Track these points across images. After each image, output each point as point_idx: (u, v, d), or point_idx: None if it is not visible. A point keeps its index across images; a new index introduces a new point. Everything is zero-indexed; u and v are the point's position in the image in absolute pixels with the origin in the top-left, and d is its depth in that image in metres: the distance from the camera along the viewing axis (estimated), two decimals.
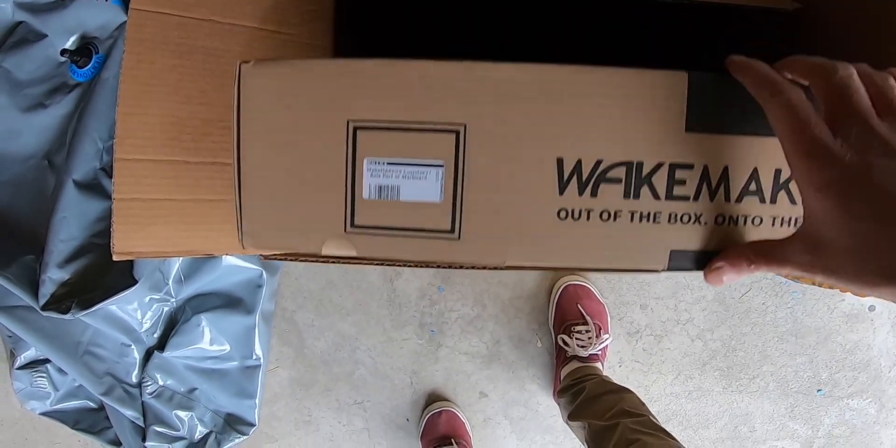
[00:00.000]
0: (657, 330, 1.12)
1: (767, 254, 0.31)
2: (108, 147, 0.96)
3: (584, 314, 1.05)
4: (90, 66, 0.96)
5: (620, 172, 0.32)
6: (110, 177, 0.95)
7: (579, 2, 0.62)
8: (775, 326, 1.11)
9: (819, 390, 1.13)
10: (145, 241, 0.55)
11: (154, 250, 0.56)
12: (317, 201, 0.34)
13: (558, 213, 0.33)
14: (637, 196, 0.33)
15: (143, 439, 1.08)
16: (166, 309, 1.04)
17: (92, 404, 1.09)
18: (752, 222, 0.33)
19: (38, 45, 0.97)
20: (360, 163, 0.33)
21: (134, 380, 1.04)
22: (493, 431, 1.17)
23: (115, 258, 0.54)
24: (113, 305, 0.97)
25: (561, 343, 1.06)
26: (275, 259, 0.42)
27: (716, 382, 1.14)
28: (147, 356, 1.05)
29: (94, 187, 0.96)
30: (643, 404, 0.90)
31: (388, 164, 0.33)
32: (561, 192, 0.32)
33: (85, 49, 0.96)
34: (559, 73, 0.31)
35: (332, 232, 0.34)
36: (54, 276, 0.92)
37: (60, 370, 1.04)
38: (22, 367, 1.08)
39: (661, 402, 1.14)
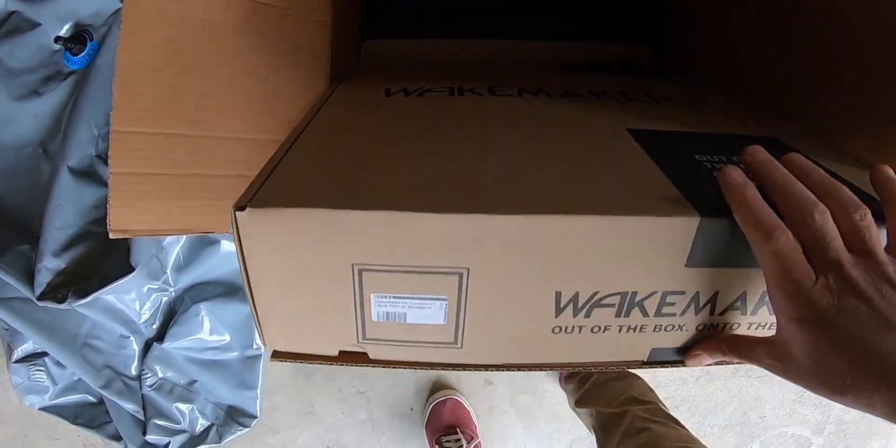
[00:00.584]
0: None
1: (740, 351, 0.35)
2: (104, 134, 0.95)
3: None
4: (84, 53, 0.95)
5: (615, 300, 0.34)
6: (106, 164, 0.94)
7: None
8: None
9: None
10: (141, 217, 0.54)
11: (151, 227, 0.55)
12: (330, 322, 0.36)
13: (552, 330, 0.35)
14: (627, 315, 0.35)
15: (144, 433, 1.07)
16: (165, 299, 1.03)
17: (91, 398, 1.08)
18: (731, 328, 0.36)
19: (32, 34, 0.96)
20: (367, 297, 0.34)
21: (133, 372, 1.03)
22: (499, 420, 1.16)
23: (111, 235, 0.52)
24: (111, 296, 0.96)
25: None
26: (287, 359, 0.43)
27: (724, 367, 1.13)
28: (146, 348, 1.03)
29: (90, 174, 0.94)
30: (651, 391, 0.88)
31: (394, 297, 0.34)
32: (556, 315, 0.34)
33: (79, 36, 0.95)
34: (564, 222, 0.31)
35: (346, 342, 0.36)
36: (50, 265, 0.91)
37: (59, 363, 1.03)
38: (19, 361, 1.06)
39: (670, 387, 1.13)
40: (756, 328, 0.36)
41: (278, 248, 0.33)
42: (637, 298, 0.34)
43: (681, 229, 0.32)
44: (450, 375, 1.15)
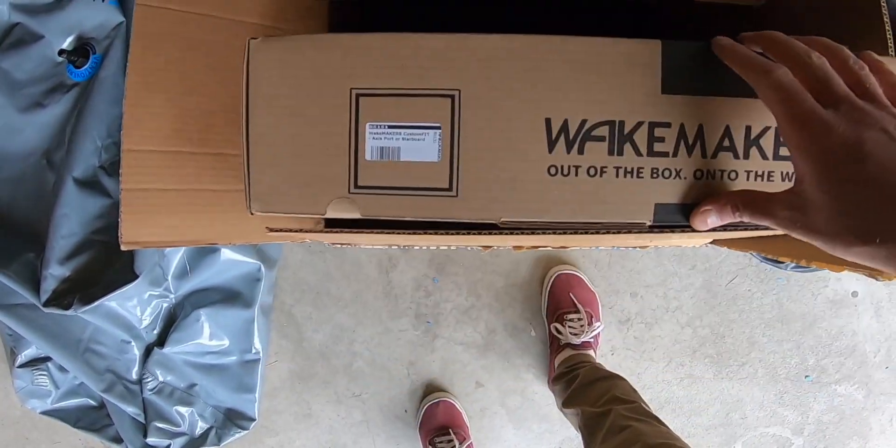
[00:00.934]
0: (647, 318, 1.15)
1: (754, 204, 0.33)
2: (107, 145, 0.97)
3: (576, 303, 1.08)
4: (87, 66, 0.98)
5: (604, 131, 0.35)
6: (109, 175, 0.97)
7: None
8: (762, 313, 1.14)
9: (807, 376, 1.16)
10: (152, 229, 0.57)
11: (160, 239, 0.58)
12: (321, 164, 0.36)
13: (549, 170, 0.35)
14: (621, 153, 0.35)
15: (145, 436, 1.09)
16: (165, 305, 1.06)
17: (92, 402, 1.10)
18: (729, 177, 0.36)
19: (36, 46, 0.98)
20: (362, 127, 0.35)
21: (134, 376, 1.06)
22: (490, 421, 1.19)
23: (123, 248, 0.55)
24: (113, 302, 0.98)
25: (554, 331, 1.09)
26: (280, 232, 0.44)
27: (706, 369, 1.16)
28: (147, 352, 1.06)
29: (94, 185, 0.97)
30: (634, 391, 0.92)
31: (389, 127, 0.35)
32: (550, 150, 0.35)
33: (82, 49, 0.98)
34: (542, 41, 0.34)
35: (336, 193, 0.36)
36: (55, 273, 0.93)
37: (61, 368, 1.05)
38: (23, 366, 1.09)
39: (654, 389, 1.17)
40: (755, 178, 0.36)
41: (282, 76, 0.36)
42: (625, 130, 0.35)
43: (647, 50, 0.34)
44: (442, 378, 1.18)
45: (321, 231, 0.44)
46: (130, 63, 0.55)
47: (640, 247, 0.71)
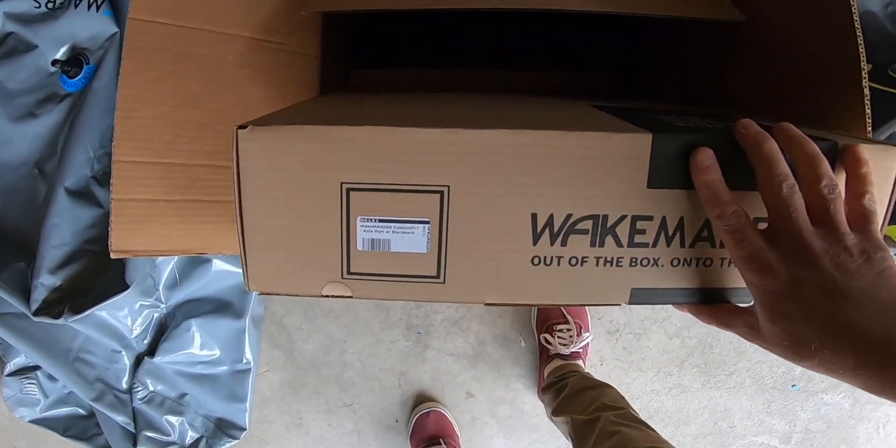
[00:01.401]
0: (636, 328, 1.16)
1: (720, 317, 0.38)
2: (100, 155, 0.98)
3: (565, 314, 1.09)
4: (81, 76, 0.98)
5: (588, 225, 0.36)
6: (101, 185, 0.97)
7: (532, 19, 0.66)
8: None
9: (793, 385, 1.17)
10: (142, 239, 0.57)
11: (150, 249, 0.58)
12: (315, 253, 0.37)
13: (532, 260, 0.37)
14: (602, 245, 0.37)
15: (134, 445, 1.09)
16: (156, 315, 1.06)
17: (82, 411, 1.10)
18: (704, 264, 0.38)
19: (29, 56, 0.99)
20: (353, 220, 0.36)
21: (124, 386, 1.06)
22: (480, 431, 1.19)
23: (112, 256, 0.56)
24: (103, 312, 0.98)
25: (544, 342, 1.10)
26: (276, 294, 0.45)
27: (694, 379, 1.17)
28: (137, 362, 1.06)
29: (86, 195, 0.97)
30: (622, 398, 0.93)
31: (379, 220, 0.36)
32: (535, 242, 0.36)
33: (75, 59, 0.98)
34: (532, 137, 0.35)
35: (330, 278, 0.37)
36: (46, 282, 0.93)
37: (50, 377, 1.05)
38: (11, 374, 1.08)
39: (643, 399, 1.18)
40: (729, 264, 0.38)
41: (272, 167, 0.36)
42: (609, 223, 0.36)
43: (638, 145, 0.35)
44: (432, 388, 1.19)
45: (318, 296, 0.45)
46: (122, 76, 0.55)
47: None
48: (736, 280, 0.39)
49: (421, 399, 1.19)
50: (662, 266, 0.38)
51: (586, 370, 1.08)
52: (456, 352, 1.18)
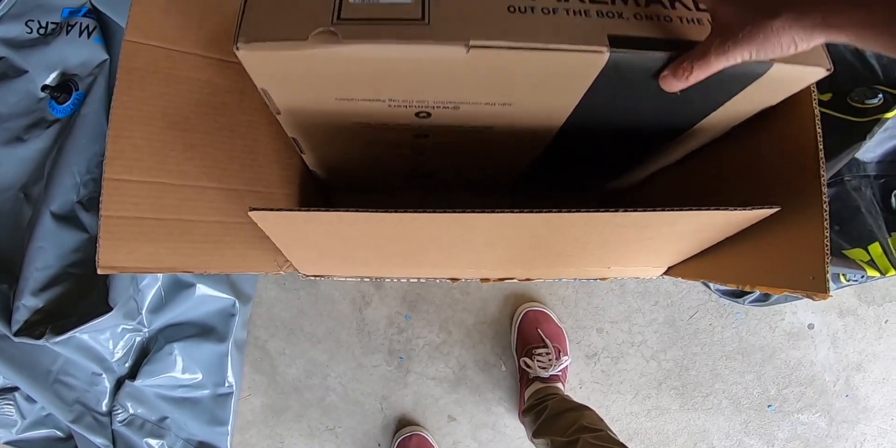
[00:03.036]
0: (613, 352, 1.18)
1: (697, 57, 0.39)
2: (86, 181, 0.99)
3: (544, 338, 1.10)
4: (69, 102, 1.00)
5: None
6: (87, 210, 0.99)
7: None
8: (723, 346, 1.17)
9: (769, 406, 1.19)
10: (129, 256, 0.59)
11: (137, 265, 0.60)
12: (308, 6, 0.40)
13: (508, 8, 0.40)
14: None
15: None
16: (139, 339, 1.06)
17: (60, 433, 1.09)
18: (665, 19, 0.42)
19: (19, 81, 1.01)
20: None
21: (104, 408, 1.05)
22: None
23: (99, 272, 0.57)
24: (85, 335, 0.99)
25: (523, 366, 1.11)
26: (261, 211, 0.47)
27: (672, 401, 1.19)
28: (118, 385, 1.06)
29: (71, 219, 0.98)
30: (601, 420, 0.94)
31: None
32: None
33: (65, 86, 1.00)
34: None
35: (320, 23, 0.39)
36: (28, 304, 0.94)
37: (29, 398, 1.04)
38: None
39: (622, 421, 1.19)
40: (687, 23, 0.42)
41: None
42: None
43: None
44: (414, 412, 1.19)
45: (297, 210, 0.47)
46: (116, 96, 0.58)
47: (599, 278, 0.75)
48: (701, 35, 0.41)
49: (403, 423, 1.19)
50: (628, 19, 0.41)
51: (566, 393, 1.09)
52: (437, 376, 1.19)
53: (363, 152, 0.65)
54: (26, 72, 1.01)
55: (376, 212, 0.46)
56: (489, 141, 0.59)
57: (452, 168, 0.74)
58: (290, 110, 0.50)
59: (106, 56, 1.01)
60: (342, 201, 0.93)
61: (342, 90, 0.45)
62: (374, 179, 0.82)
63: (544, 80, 0.44)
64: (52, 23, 1.01)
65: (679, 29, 0.42)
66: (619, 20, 0.41)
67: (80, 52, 1.00)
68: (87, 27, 1.00)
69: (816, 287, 0.50)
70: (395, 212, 0.46)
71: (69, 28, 0.99)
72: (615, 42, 0.40)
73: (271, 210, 0.46)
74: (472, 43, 0.39)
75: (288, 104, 0.48)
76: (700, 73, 0.40)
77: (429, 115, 0.51)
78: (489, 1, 0.40)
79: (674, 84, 0.42)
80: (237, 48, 0.39)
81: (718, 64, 0.39)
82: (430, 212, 0.46)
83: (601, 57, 0.41)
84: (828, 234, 0.50)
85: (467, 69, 0.41)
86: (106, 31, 1.01)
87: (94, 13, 1.01)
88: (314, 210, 0.47)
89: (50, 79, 1.01)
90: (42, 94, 1.01)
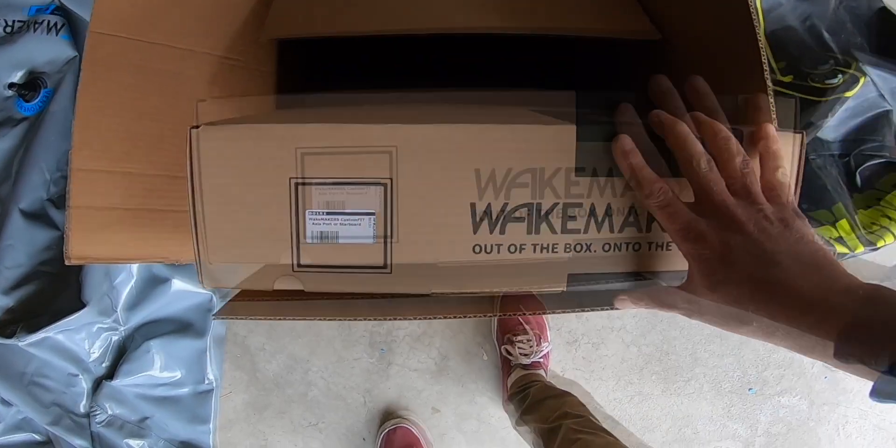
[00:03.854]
0: (594, 338, 1.18)
1: (659, 299, 0.40)
2: (56, 179, 0.98)
3: (524, 324, 1.11)
4: (37, 100, 0.99)
5: (523, 212, 0.39)
6: (58, 208, 0.97)
7: (458, 45, 0.69)
8: (700, 329, 1.19)
9: (750, 389, 1.20)
10: (99, 246, 0.58)
11: (107, 255, 0.59)
12: (267, 247, 0.39)
13: (473, 249, 0.39)
14: (538, 232, 0.39)
15: None
16: (115, 338, 1.05)
17: (37, 437, 1.07)
18: (633, 248, 0.40)
19: None
20: (302, 214, 0.38)
21: (83, 410, 1.04)
22: (448, 446, 1.19)
23: (68, 263, 0.56)
24: (60, 335, 0.97)
25: (505, 353, 1.11)
26: (232, 315, 0.46)
27: (654, 386, 1.20)
28: (96, 386, 1.05)
29: (41, 217, 0.97)
30: (583, 405, 0.95)
31: (327, 213, 0.38)
32: (475, 231, 0.39)
33: (33, 83, 0.99)
34: (471, 130, 0.38)
35: (281, 272, 0.39)
36: None
37: (4, 402, 1.02)
38: None
39: (606, 407, 1.19)
40: (657, 249, 0.40)
41: (225, 164, 0.38)
42: (543, 210, 0.39)
43: (564, 136, 0.37)
44: (398, 404, 1.19)
45: (265, 317, 0.47)
46: (81, 87, 0.57)
47: None
48: (665, 263, 0.41)
49: (387, 416, 1.19)
50: (595, 251, 0.40)
51: (549, 380, 1.10)
52: (419, 367, 1.18)
53: None
54: None
55: None
56: None
57: None
58: None
59: (74, 53, 1.00)
60: None
61: None
62: None
63: None
64: (18, 21, 1.00)
65: (644, 259, 0.41)
66: (585, 254, 0.40)
67: (48, 49, 0.98)
68: (55, 24, 0.98)
69: None
70: None
71: (36, 26, 0.98)
72: (574, 279, 0.40)
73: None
74: (433, 291, 0.39)
75: None
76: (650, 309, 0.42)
77: None
78: (455, 241, 0.39)
79: (628, 306, 0.42)
80: (203, 284, 0.40)
81: (671, 312, 0.41)
82: None
83: (558, 290, 0.41)
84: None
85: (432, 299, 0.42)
86: (74, 28, 1.00)
87: (61, 10, 1.00)
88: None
89: (17, 77, 0.99)
90: (9, 93, 0.99)
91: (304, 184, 0.38)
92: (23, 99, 0.99)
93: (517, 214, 0.39)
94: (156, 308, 1.04)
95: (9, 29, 1.00)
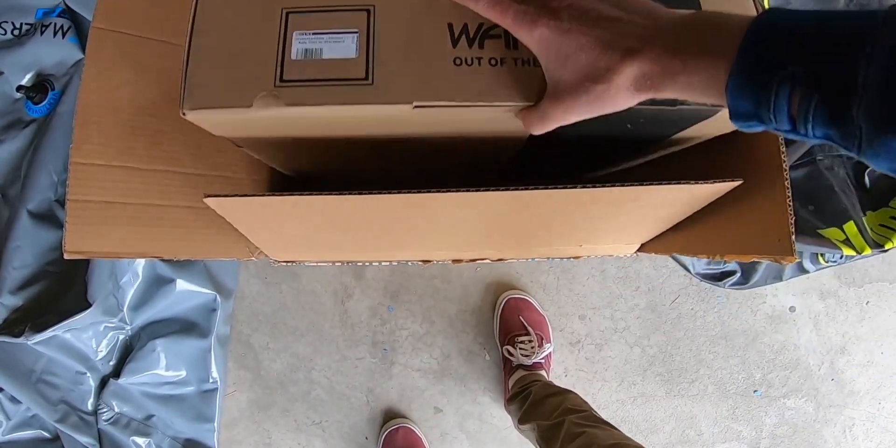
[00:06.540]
0: (597, 339, 1.18)
1: (534, 116, 0.40)
2: (63, 180, 0.99)
3: (526, 325, 1.11)
4: (46, 102, 1.00)
5: (500, 30, 0.40)
6: (64, 208, 0.99)
7: None
8: (705, 330, 1.18)
9: (755, 391, 1.20)
10: (97, 240, 0.59)
11: (106, 250, 0.60)
12: (252, 67, 0.40)
13: (454, 61, 0.40)
14: (517, 47, 0.40)
15: None
16: (121, 337, 1.06)
17: (46, 434, 1.08)
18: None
19: None
20: (290, 35, 0.40)
21: (89, 408, 1.05)
22: (450, 446, 1.19)
23: (66, 257, 0.57)
24: (67, 334, 0.99)
25: (506, 354, 1.11)
26: (217, 197, 0.46)
27: (658, 387, 1.19)
28: (102, 384, 1.06)
29: (49, 218, 0.99)
30: (585, 402, 0.94)
31: (313, 34, 0.40)
32: (454, 45, 0.40)
33: (41, 85, 1.00)
34: None
35: (263, 87, 0.39)
36: (7, 302, 0.94)
37: (13, 399, 1.04)
38: None
39: (609, 408, 1.19)
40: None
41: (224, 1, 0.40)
42: None
43: None
44: (400, 404, 1.19)
45: (253, 195, 0.46)
46: (83, 82, 0.58)
47: (573, 257, 0.75)
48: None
49: (389, 415, 1.19)
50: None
51: (551, 381, 1.10)
52: (422, 367, 1.19)
53: (329, 159, 0.65)
54: (1, 73, 1.01)
55: (331, 195, 0.46)
56: (452, 150, 0.60)
57: (424, 163, 0.75)
58: (246, 144, 0.51)
59: (81, 55, 1.01)
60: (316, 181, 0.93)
61: (293, 131, 0.46)
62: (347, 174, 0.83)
63: (493, 123, 0.44)
64: (26, 24, 1.01)
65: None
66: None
67: (56, 51, 1.00)
68: (62, 27, 1.00)
69: (783, 249, 0.51)
70: (351, 194, 0.46)
71: (43, 28, 1.00)
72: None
73: (227, 196, 0.47)
74: (416, 103, 0.39)
75: (243, 141, 0.49)
76: (542, 130, 0.40)
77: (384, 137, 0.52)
78: (435, 54, 0.40)
79: (531, 129, 0.41)
80: (183, 113, 0.39)
81: (555, 124, 0.39)
82: (383, 193, 0.46)
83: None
84: (789, 194, 0.51)
85: (414, 119, 0.42)
86: (80, 30, 1.02)
87: (68, 13, 1.01)
88: (270, 195, 0.47)
89: (25, 79, 1.01)
90: (18, 95, 1.01)
91: (294, 12, 0.40)
92: (31, 101, 1.00)
93: (493, 32, 0.40)
94: (161, 308, 1.06)
95: (17, 32, 1.02)
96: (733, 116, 0.32)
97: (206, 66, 0.40)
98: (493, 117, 0.42)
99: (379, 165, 0.75)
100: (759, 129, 0.32)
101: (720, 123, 0.47)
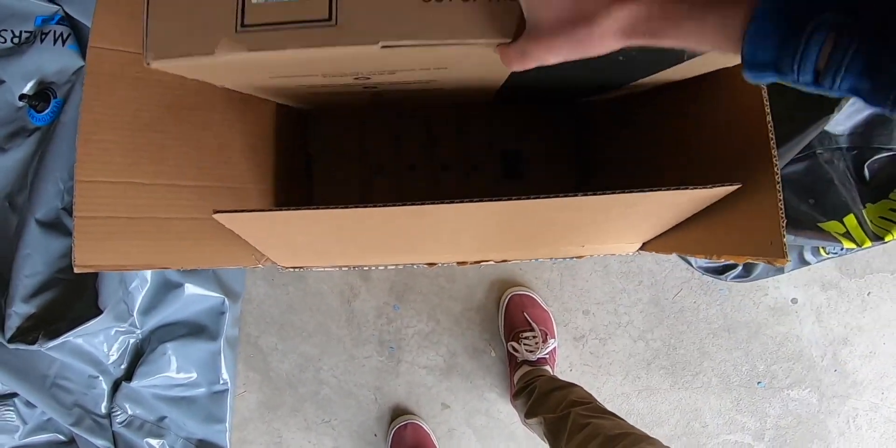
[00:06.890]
0: (601, 333, 1.19)
1: (513, 54, 0.37)
2: (69, 188, 1.00)
3: (530, 321, 1.12)
4: (48, 110, 1.01)
5: None
6: (72, 216, 1.00)
7: None
8: (708, 323, 1.19)
9: (759, 383, 1.21)
10: (104, 254, 0.60)
11: (114, 263, 0.61)
12: (213, 11, 0.38)
13: None
14: None
15: None
16: (132, 341, 1.07)
17: (62, 437, 1.11)
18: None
19: None
20: None
21: (103, 411, 1.07)
22: (458, 442, 1.21)
23: (76, 270, 0.58)
24: (79, 339, 1.00)
25: (511, 350, 1.13)
26: (225, 213, 0.47)
27: (662, 380, 1.20)
28: (115, 387, 1.08)
29: (57, 226, 1.00)
30: (590, 394, 0.96)
31: None
32: None
33: (43, 94, 1.01)
34: None
35: (224, 33, 0.38)
36: (20, 310, 0.95)
37: (28, 403, 1.06)
38: None
39: (614, 402, 1.20)
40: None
41: None
42: None
43: None
44: (408, 401, 1.21)
45: (262, 211, 0.47)
46: (84, 101, 0.59)
47: (576, 257, 0.76)
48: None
49: (397, 413, 1.21)
50: None
51: (555, 375, 1.11)
52: (428, 365, 1.20)
53: (326, 99, 0.64)
54: (3, 82, 1.02)
55: (337, 208, 0.47)
56: (440, 88, 0.59)
57: (417, 99, 0.73)
58: (234, 87, 0.50)
59: (82, 62, 1.01)
60: (322, 194, 0.94)
61: (271, 72, 0.45)
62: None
63: (469, 58, 0.43)
64: (25, 31, 1.02)
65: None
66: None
67: (56, 59, 1.01)
68: (62, 34, 1.00)
69: (775, 252, 0.52)
70: (357, 207, 0.46)
71: (43, 36, 1.00)
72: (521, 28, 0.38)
73: (236, 211, 0.47)
74: (383, 43, 0.37)
75: (228, 84, 0.49)
76: (522, 67, 0.38)
77: (368, 78, 0.51)
78: None
79: (510, 66, 0.39)
80: (147, 63, 0.39)
81: (536, 63, 0.37)
82: (389, 206, 0.46)
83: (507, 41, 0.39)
84: (781, 198, 0.52)
85: (386, 57, 0.40)
86: (80, 37, 1.02)
87: (67, 20, 1.02)
88: (278, 210, 0.48)
89: (27, 88, 1.01)
90: (20, 103, 1.01)
91: None
92: (34, 109, 1.01)
93: None
94: (170, 312, 1.07)
95: (16, 40, 1.02)
96: (747, 66, 0.29)
97: (167, 14, 0.39)
98: (468, 56, 0.40)
99: (375, 103, 0.73)
100: (772, 80, 0.30)
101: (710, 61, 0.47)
